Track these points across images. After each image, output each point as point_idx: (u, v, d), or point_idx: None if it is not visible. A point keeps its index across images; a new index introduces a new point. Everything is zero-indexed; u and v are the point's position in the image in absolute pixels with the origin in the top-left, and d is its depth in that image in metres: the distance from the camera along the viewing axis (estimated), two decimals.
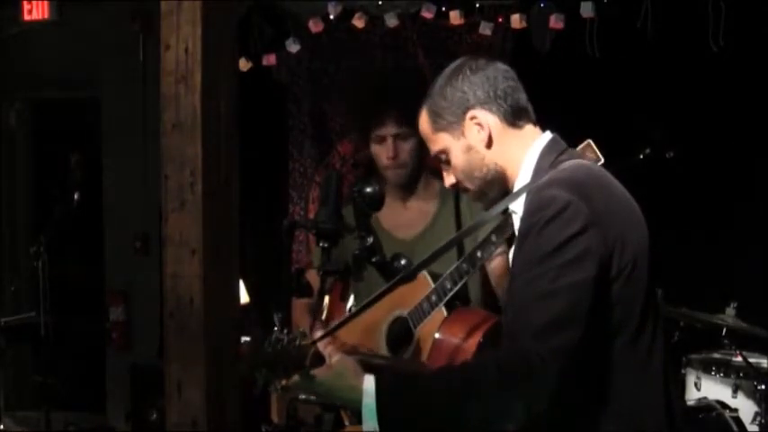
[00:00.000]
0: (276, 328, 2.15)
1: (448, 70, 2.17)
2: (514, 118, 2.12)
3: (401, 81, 3.51)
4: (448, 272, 3.05)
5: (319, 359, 2.08)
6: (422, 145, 3.24)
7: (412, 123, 3.19)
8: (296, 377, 2.07)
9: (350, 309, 3.24)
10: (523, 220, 2.00)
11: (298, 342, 2.11)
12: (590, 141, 2.74)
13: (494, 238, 2.86)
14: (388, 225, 3.31)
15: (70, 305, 5.63)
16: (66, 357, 5.21)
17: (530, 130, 2.14)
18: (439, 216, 3.32)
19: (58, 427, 4.82)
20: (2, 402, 4.85)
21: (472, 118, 2.11)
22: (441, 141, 2.16)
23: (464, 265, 3.01)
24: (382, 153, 3.26)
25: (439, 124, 2.15)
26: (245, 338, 3.47)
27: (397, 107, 3.18)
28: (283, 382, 2.10)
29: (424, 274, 3.10)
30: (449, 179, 2.21)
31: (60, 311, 4.65)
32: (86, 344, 6.15)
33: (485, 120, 2.11)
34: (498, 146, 2.12)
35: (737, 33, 4.41)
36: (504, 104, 2.11)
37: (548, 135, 2.13)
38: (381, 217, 3.27)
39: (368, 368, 2.05)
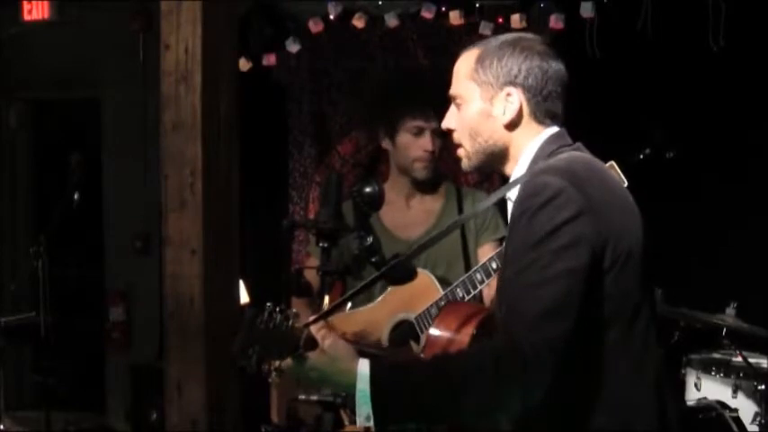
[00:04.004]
0: (269, 305, 2.12)
1: (520, 37, 2.11)
2: (544, 117, 2.08)
3: (441, 78, 3.52)
4: (460, 279, 3.05)
5: (313, 343, 2.06)
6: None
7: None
8: (288, 361, 2.06)
9: (349, 308, 3.24)
10: (516, 206, 1.98)
11: (291, 322, 2.08)
12: (613, 163, 2.72)
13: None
14: (391, 224, 3.30)
15: (70, 305, 5.63)
16: (67, 357, 5.20)
17: (546, 128, 2.10)
18: (443, 216, 3.31)
19: (57, 427, 4.82)
20: (2, 402, 4.85)
21: (508, 95, 2.06)
22: (466, 89, 2.11)
23: (478, 275, 3.01)
24: (416, 145, 3.25)
25: (478, 75, 2.09)
26: None
27: (442, 102, 3.19)
28: (276, 363, 2.08)
29: (432, 278, 3.09)
30: (448, 121, 2.16)
31: (60, 311, 4.65)
32: (86, 344, 6.15)
33: (517, 104, 2.06)
34: (515, 131, 2.08)
35: (737, 33, 4.41)
36: (543, 103, 2.07)
37: (554, 128, 2.10)
38: (383, 216, 3.26)
39: (361, 355, 2.04)
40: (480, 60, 2.09)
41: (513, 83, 2.06)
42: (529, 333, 1.84)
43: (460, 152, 2.16)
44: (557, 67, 2.08)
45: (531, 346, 1.83)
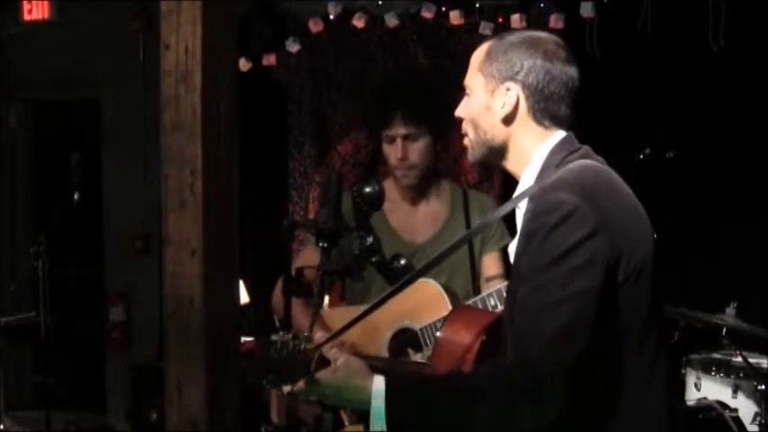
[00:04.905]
0: (281, 333, 2.13)
1: (533, 35, 2.12)
2: (542, 117, 2.08)
3: (411, 81, 3.51)
4: (472, 300, 3.04)
5: (325, 363, 2.06)
6: (433, 146, 3.25)
7: (421, 124, 3.19)
8: (301, 383, 2.05)
9: (348, 308, 3.22)
10: (528, 221, 1.98)
11: (302, 346, 2.09)
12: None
13: None
14: (397, 225, 3.29)
15: (70, 305, 5.63)
16: (67, 357, 5.21)
17: (551, 132, 2.10)
18: (450, 222, 3.29)
19: (57, 427, 4.82)
20: (2, 402, 4.86)
21: (507, 89, 2.07)
22: (474, 80, 2.13)
23: (491, 300, 3.00)
24: (392, 153, 3.25)
25: (484, 67, 2.11)
26: (245, 338, 3.47)
27: (407, 108, 3.17)
28: (289, 388, 2.08)
29: (439, 289, 3.08)
30: (459, 110, 2.18)
31: (60, 311, 4.65)
32: (86, 344, 6.15)
33: (514, 99, 2.07)
34: (513, 128, 2.09)
35: (737, 33, 4.41)
36: (542, 103, 2.07)
37: (561, 133, 2.09)
38: (390, 215, 3.26)
39: (374, 370, 2.04)
40: (489, 53, 2.11)
41: (513, 78, 2.07)
42: (543, 354, 1.85)
43: (466, 142, 2.18)
44: (564, 69, 2.07)
45: (545, 367, 1.84)
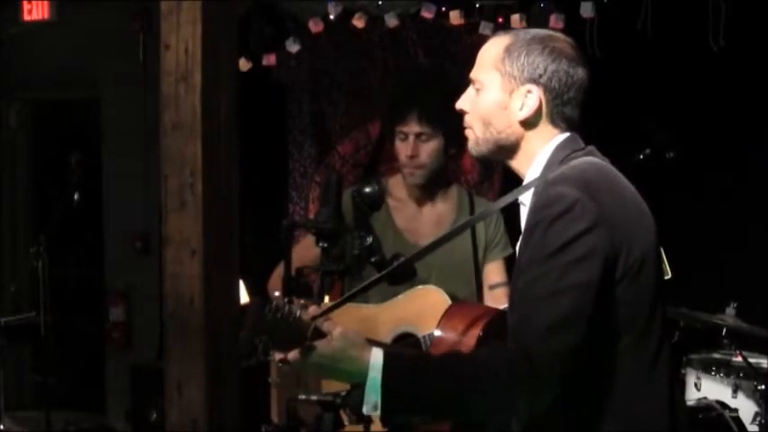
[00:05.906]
0: (277, 294, 2.10)
1: (552, 36, 2.08)
2: (559, 121, 2.07)
3: (435, 82, 3.50)
4: None
5: (321, 335, 2.04)
6: (444, 149, 3.24)
7: (436, 126, 3.19)
8: (295, 353, 2.03)
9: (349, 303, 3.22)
10: (530, 214, 1.99)
11: (298, 314, 2.07)
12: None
13: None
14: (402, 225, 3.28)
15: (70, 305, 5.63)
16: (67, 357, 5.21)
17: (561, 133, 2.09)
18: (454, 226, 3.28)
19: (57, 427, 4.82)
20: (2, 402, 4.86)
21: (528, 91, 2.04)
22: (488, 76, 2.08)
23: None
24: (402, 150, 3.25)
25: (503, 65, 2.06)
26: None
27: (425, 107, 3.17)
28: (282, 355, 2.05)
29: (445, 296, 3.07)
30: (463, 102, 2.13)
31: (60, 311, 4.65)
32: (86, 344, 6.15)
33: (535, 102, 2.04)
34: (529, 130, 2.07)
35: (737, 33, 4.41)
36: (561, 108, 2.06)
37: (566, 132, 2.09)
38: (395, 214, 3.26)
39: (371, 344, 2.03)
40: (508, 50, 2.06)
41: (536, 81, 2.04)
42: (538, 343, 1.86)
43: (469, 134, 2.14)
44: (582, 74, 2.07)
45: (540, 356, 1.85)
